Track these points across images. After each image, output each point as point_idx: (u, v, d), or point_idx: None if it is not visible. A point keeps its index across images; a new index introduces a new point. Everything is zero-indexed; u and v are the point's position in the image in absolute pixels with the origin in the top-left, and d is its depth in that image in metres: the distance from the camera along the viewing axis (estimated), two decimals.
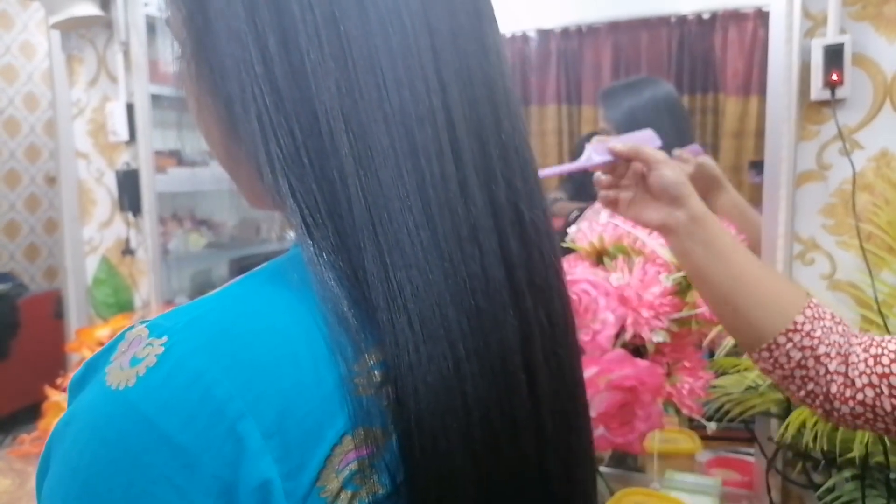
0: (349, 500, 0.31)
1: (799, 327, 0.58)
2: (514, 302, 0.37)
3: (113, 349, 0.32)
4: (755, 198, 1.11)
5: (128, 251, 1.60)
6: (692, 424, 1.09)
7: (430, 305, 0.33)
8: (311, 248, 0.33)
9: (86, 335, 1.33)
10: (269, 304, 0.33)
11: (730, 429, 1.05)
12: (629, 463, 1.17)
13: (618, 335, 0.90)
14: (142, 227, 1.57)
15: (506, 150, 0.38)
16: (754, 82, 1.24)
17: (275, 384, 0.30)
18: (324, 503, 0.31)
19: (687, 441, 1.19)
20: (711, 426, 1.02)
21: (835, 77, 0.97)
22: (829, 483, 0.94)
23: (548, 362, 0.39)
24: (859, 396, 0.56)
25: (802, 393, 0.60)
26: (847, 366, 0.57)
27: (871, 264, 0.98)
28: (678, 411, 0.99)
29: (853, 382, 0.56)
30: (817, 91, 0.99)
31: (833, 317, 0.60)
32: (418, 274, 0.33)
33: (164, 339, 0.31)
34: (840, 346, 0.58)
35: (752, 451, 1.10)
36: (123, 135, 1.55)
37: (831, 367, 0.58)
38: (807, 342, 0.58)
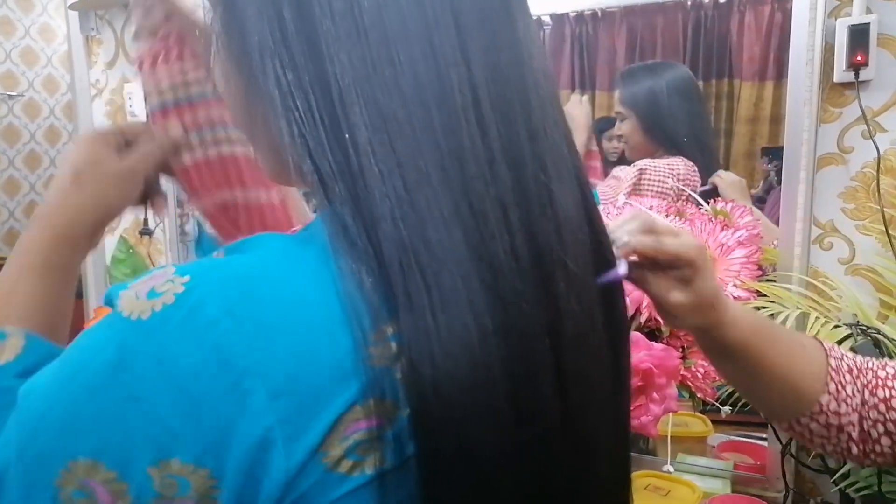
0: (350, 468, 0.31)
1: (824, 408, 0.55)
2: (543, 284, 0.36)
3: (137, 279, 0.33)
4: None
5: (146, 232, 1.62)
6: (706, 408, 1.09)
7: (453, 277, 0.33)
8: (328, 213, 0.33)
9: (104, 313, 1.35)
10: (292, 266, 0.33)
11: (742, 412, 1.05)
12: (641, 445, 1.17)
13: (633, 318, 0.90)
14: None
15: (535, 131, 0.38)
16: (770, 67, 1.23)
17: (286, 346, 0.31)
18: (323, 468, 0.31)
19: (699, 424, 1.19)
20: (726, 410, 1.02)
21: (859, 58, 0.95)
22: (845, 469, 0.93)
23: (578, 349, 0.38)
24: (878, 448, 0.55)
25: (819, 448, 0.59)
26: (862, 419, 0.55)
27: (894, 249, 0.96)
28: (692, 395, 0.99)
29: (869, 435, 0.55)
30: (840, 73, 0.98)
31: (851, 370, 0.56)
32: (438, 244, 0.33)
33: (187, 278, 0.31)
34: (858, 405, 0.55)
35: (764, 434, 1.10)
36: (142, 116, 1.56)
37: (854, 435, 0.56)
38: (833, 420, 0.55)
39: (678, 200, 1.18)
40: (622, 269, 0.45)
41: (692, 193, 1.17)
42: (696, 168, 1.21)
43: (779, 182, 1.05)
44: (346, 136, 0.33)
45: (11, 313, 0.44)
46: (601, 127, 1.34)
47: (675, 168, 1.20)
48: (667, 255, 0.48)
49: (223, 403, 0.29)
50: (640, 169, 1.20)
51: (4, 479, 0.32)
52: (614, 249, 0.46)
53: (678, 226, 0.51)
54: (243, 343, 0.30)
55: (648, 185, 1.19)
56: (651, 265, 0.49)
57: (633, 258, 0.48)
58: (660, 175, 1.19)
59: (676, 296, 0.50)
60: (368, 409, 0.31)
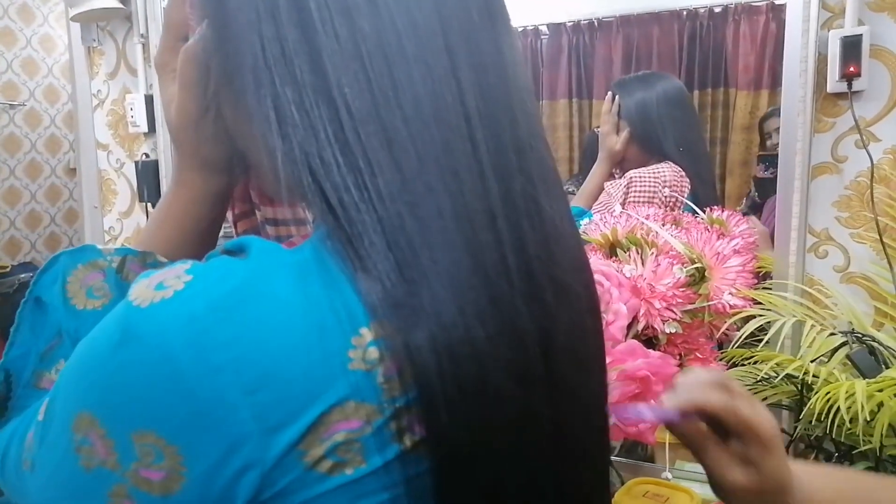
0: (329, 468, 0.32)
1: None
2: (533, 294, 0.37)
3: (162, 269, 0.35)
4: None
5: None
6: None
7: (452, 287, 0.34)
8: (326, 226, 0.35)
9: None
10: (280, 271, 0.35)
11: None
12: (640, 452, 1.17)
13: (630, 326, 0.91)
14: None
15: (521, 145, 0.39)
16: (765, 76, 1.24)
17: (263, 345, 0.32)
18: (303, 466, 0.32)
19: None
20: None
21: (852, 69, 0.96)
22: None
23: (568, 361, 0.39)
24: None
25: None
26: None
27: (888, 257, 0.97)
28: None
29: None
30: (833, 83, 0.99)
31: None
32: (442, 256, 0.34)
33: (190, 277, 0.33)
34: None
35: None
36: (143, 126, 1.57)
37: None
38: None
39: (674, 209, 1.19)
40: (670, 415, 0.41)
41: (686, 201, 1.18)
42: (682, 172, 1.22)
43: (760, 198, 1.07)
44: (355, 152, 0.34)
45: (160, 244, 0.50)
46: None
47: (661, 174, 1.21)
48: (737, 421, 0.42)
49: (200, 392, 0.31)
50: (629, 180, 1.21)
51: (52, 406, 0.36)
52: (667, 400, 0.43)
53: (753, 397, 0.45)
54: (219, 340, 0.32)
55: (637, 195, 1.21)
56: (711, 430, 0.43)
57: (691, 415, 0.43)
58: (646, 184, 1.21)
59: (737, 475, 0.43)
60: (349, 412, 0.32)
